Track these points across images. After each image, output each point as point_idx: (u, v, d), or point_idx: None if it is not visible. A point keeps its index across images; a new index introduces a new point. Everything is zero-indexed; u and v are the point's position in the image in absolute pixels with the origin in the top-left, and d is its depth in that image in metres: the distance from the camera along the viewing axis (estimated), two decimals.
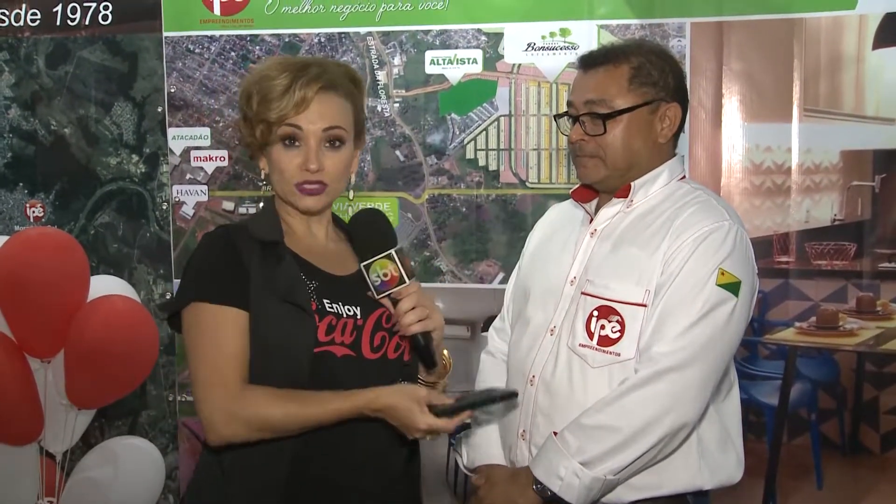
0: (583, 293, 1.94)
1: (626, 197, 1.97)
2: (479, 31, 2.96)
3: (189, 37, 3.09)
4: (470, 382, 2.88)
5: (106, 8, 3.15)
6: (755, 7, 2.73)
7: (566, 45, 2.91)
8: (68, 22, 3.18)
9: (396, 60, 2.97)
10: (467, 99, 2.96)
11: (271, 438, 1.62)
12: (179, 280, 1.76)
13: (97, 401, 2.95)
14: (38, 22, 3.19)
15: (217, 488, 1.71)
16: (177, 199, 3.22)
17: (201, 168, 3.18)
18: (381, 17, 2.96)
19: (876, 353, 2.63)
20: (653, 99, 1.95)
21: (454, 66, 2.96)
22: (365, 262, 1.66)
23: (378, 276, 1.64)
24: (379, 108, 2.96)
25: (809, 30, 2.67)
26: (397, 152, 2.98)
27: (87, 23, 3.17)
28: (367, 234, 1.72)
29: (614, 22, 2.88)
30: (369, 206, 1.90)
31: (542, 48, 2.94)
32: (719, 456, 1.94)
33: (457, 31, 2.97)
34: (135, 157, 3.24)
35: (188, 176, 3.19)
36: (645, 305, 1.87)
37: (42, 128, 3.25)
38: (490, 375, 2.15)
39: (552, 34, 2.94)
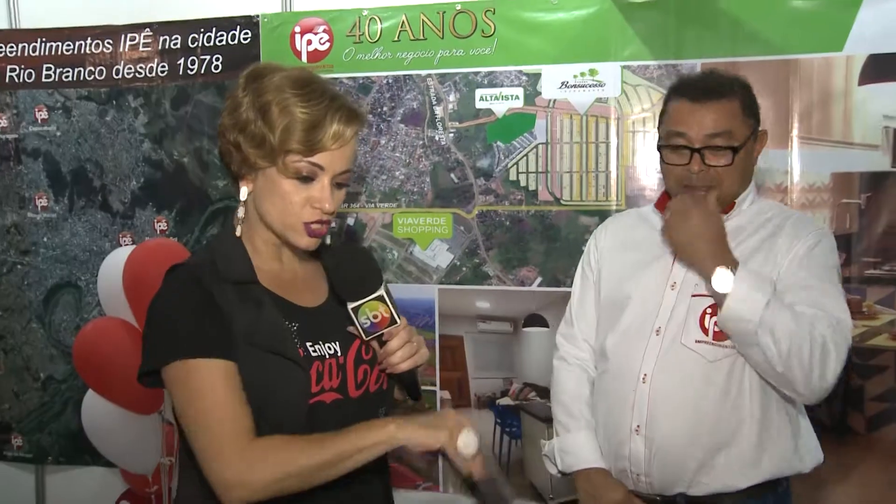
0: (693, 295, 1.89)
1: (729, 212, 1.93)
2: (520, 72, 2.94)
3: None
4: (513, 371, 3.00)
5: (217, 59, 3.22)
6: (756, 49, 2.70)
7: (594, 83, 2.89)
8: (188, 72, 3.25)
9: (451, 97, 3.00)
10: (511, 129, 2.97)
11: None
12: (146, 328, 1.46)
13: None
14: (165, 73, 3.28)
15: None
16: None
17: None
18: (439, 61, 3.00)
19: (862, 348, 2.59)
20: (755, 128, 1.93)
21: (499, 101, 2.97)
22: (353, 305, 1.44)
23: (367, 319, 1.44)
24: (437, 138, 3.01)
25: (803, 69, 2.64)
26: (452, 175, 3.02)
27: (202, 72, 3.24)
28: (353, 274, 1.48)
29: (635, 63, 2.84)
30: (350, 244, 1.70)
31: (574, 86, 2.91)
32: (809, 439, 1.93)
33: (501, 73, 2.96)
34: None
35: None
36: None
37: (167, 157, 3.32)
38: (569, 383, 2.10)
39: (582, 74, 2.90)
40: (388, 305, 1.44)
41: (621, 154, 2.89)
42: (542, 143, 2.96)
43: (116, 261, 2.97)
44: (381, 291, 1.44)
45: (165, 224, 3.36)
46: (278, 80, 1.42)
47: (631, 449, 1.90)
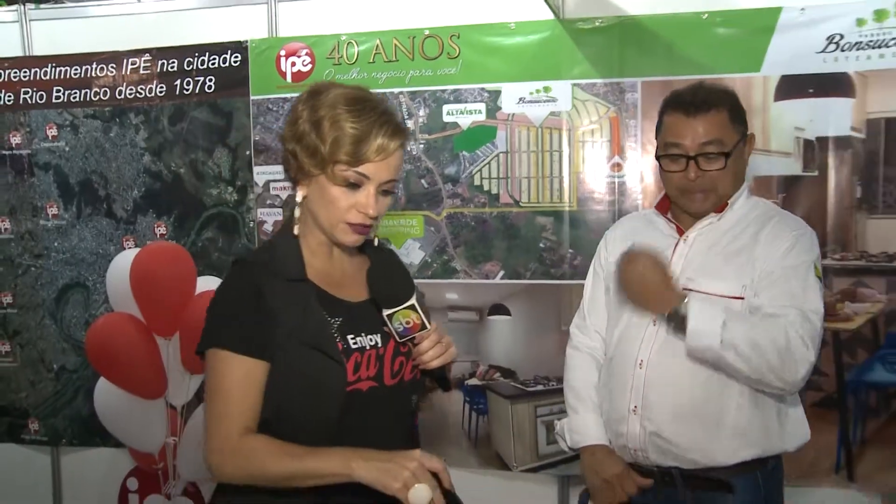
0: (684, 289, 1.88)
1: (721, 212, 1.97)
2: (482, 89, 3.08)
3: (269, 99, 3.28)
4: (480, 355, 3.13)
5: (210, 80, 3.33)
6: (687, 70, 2.84)
7: (548, 98, 3.03)
8: (184, 92, 3.36)
9: (421, 112, 3.13)
10: (475, 140, 3.10)
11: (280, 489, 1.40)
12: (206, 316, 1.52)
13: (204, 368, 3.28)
14: (163, 93, 3.38)
15: None
16: (260, 219, 3.34)
17: (278, 195, 3.32)
18: (410, 80, 3.13)
19: None
20: (744, 133, 1.97)
21: (464, 115, 3.10)
22: (388, 312, 1.49)
23: (401, 324, 1.49)
24: (408, 148, 3.02)
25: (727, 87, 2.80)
26: (422, 181, 3.14)
27: (197, 91, 3.35)
28: (388, 283, 1.52)
29: (584, 81, 2.97)
30: (388, 248, 1.70)
31: (530, 101, 3.05)
32: (796, 420, 1.95)
33: (466, 90, 3.09)
34: (230, 189, 3.38)
35: (268, 201, 3.33)
36: (742, 298, 1.87)
37: (165, 169, 3.41)
38: (579, 370, 2.14)
39: (537, 91, 3.04)
40: (419, 313, 1.48)
41: (572, 161, 3.05)
42: (503, 153, 3.09)
43: (123, 262, 3.08)
44: (413, 301, 1.48)
45: (164, 229, 3.45)
46: (333, 98, 1.47)
47: (629, 427, 1.96)
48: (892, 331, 2.83)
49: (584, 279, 2.27)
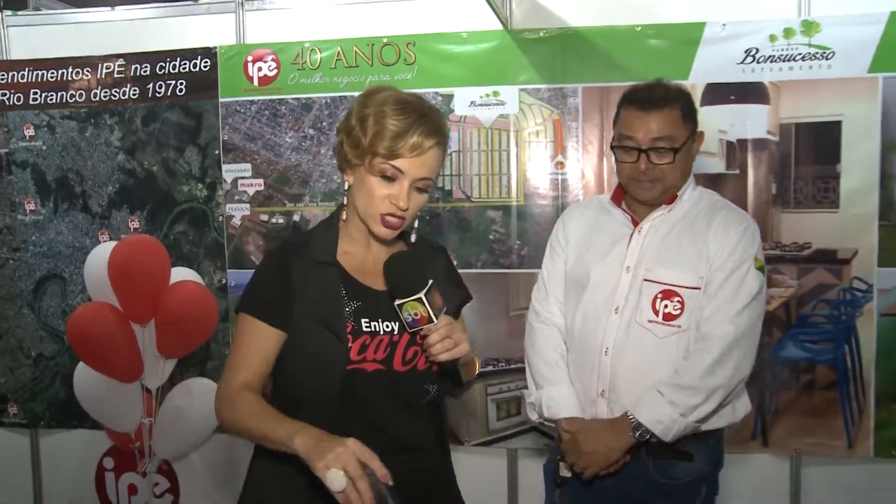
0: (644, 279, 1.95)
1: (671, 203, 2.01)
2: (436, 93, 3.16)
3: (237, 101, 3.35)
4: None
5: (181, 84, 3.39)
6: (622, 77, 2.96)
7: (497, 102, 3.15)
8: (156, 94, 3.42)
9: None
10: None
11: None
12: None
13: (178, 353, 3.18)
14: (136, 95, 3.44)
15: (256, 490, 1.60)
16: (229, 214, 3.40)
17: (245, 191, 3.37)
18: (369, 84, 3.05)
19: None
20: (694, 130, 2.02)
21: None
22: (398, 303, 1.49)
23: (409, 315, 1.48)
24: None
25: None
26: None
27: (168, 94, 3.41)
28: (399, 275, 1.51)
29: (530, 86, 3.09)
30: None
31: (481, 105, 3.17)
32: (743, 396, 2.04)
33: (421, 94, 2.82)
34: (200, 186, 3.43)
35: (236, 197, 3.39)
36: (699, 288, 1.93)
37: (139, 167, 3.47)
38: (548, 340, 2.13)
39: (487, 95, 3.16)
40: (425, 307, 1.47)
41: (519, 160, 3.17)
42: (456, 152, 3.19)
43: (101, 254, 3.10)
44: (421, 294, 1.47)
45: (138, 223, 3.50)
46: (383, 98, 1.53)
47: (597, 410, 2.02)
48: (802, 312, 3.04)
49: (531, 269, 2.37)
